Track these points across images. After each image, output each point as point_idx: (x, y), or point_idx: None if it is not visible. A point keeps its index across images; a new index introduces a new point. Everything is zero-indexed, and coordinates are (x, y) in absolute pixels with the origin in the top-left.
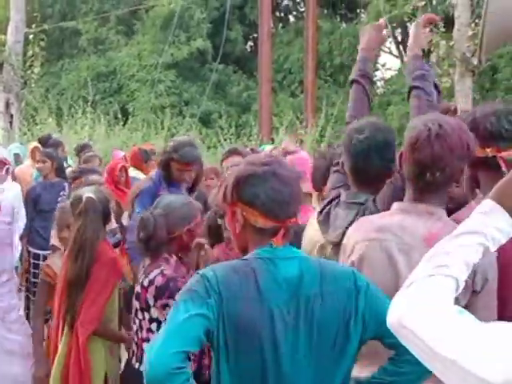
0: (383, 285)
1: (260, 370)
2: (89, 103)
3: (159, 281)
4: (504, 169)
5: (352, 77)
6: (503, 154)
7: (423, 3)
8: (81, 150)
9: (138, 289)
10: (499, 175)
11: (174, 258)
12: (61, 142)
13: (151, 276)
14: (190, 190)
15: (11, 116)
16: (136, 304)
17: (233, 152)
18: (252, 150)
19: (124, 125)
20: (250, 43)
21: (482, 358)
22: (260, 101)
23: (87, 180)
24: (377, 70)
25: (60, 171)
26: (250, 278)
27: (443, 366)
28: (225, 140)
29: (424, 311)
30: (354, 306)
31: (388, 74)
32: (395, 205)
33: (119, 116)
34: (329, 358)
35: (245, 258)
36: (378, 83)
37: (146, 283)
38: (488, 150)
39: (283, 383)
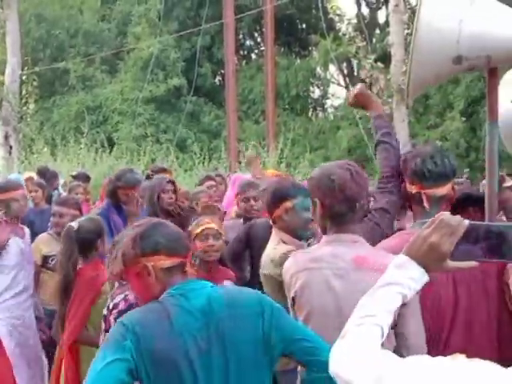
0: (324, 307)
1: None
2: (84, 134)
3: (122, 305)
4: (425, 204)
5: (377, 138)
6: (426, 191)
7: (364, 43)
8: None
9: (104, 311)
10: (424, 209)
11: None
12: (57, 173)
13: (116, 300)
14: (169, 215)
15: (10, 147)
16: (102, 325)
17: (207, 178)
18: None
19: (110, 152)
20: (219, 78)
21: None
22: (228, 128)
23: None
24: (327, 98)
25: (50, 199)
26: (163, 315)
27: None
28: (198, 163)
29: (354, 361)
30: (261, 327)
31: (336, 103)
32: (324, 238)
33: (105, 145)
34: (252, 376)
35: (159, 299)
36: (329, 110)
37: (111, 306)
38: (413, 187)
39: None
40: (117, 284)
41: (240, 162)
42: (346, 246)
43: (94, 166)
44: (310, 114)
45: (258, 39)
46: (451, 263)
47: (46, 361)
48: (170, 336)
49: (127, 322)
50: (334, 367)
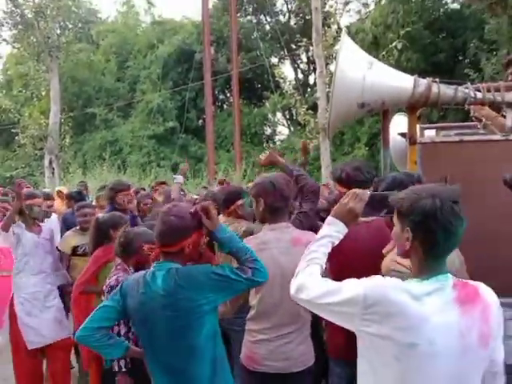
0: (274, 276)
1: (147, 335)
2: (105, 160)
3: (113, 282)
4: None
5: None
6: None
7: (300, 97)
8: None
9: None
10: None
11: (132, 269)
12: (86, 185)
13: (111, 279)
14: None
15: (53, 169)
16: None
17: (161, 183)
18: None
19: (124, 173)
20: (201, 121)
21: (343, 292)
22: (208, 155)
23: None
24: (276, 134)
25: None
26: (139, 282)
27: (327, 309)
28: (188, 180)
29: (312, 287)
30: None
31: (281, 137)
32: (266, 226)
33: (121, 168)
34: (184, 334)
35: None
36: (277, 142)
37: (107, 283)
38: (344, 189)
39: (157, 345)
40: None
41: (215, 178)
42: (283, 232)
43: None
44: (264, 145)
45: (228, 94)
46: (360, 219)
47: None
48: (136, 296)
49: (123, 284)
50: (295, 293)
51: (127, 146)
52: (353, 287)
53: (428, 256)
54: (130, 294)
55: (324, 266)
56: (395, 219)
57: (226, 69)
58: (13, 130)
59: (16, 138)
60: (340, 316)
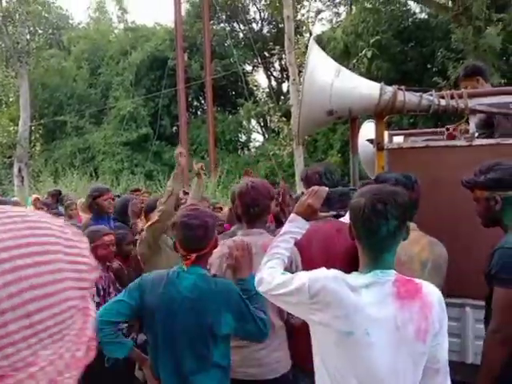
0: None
1: (161, 335)
2: (75, 168)
3: None
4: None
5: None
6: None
7: (273, 105)
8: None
9: None
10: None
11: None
12: (60, 192)
13: None
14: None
15: (22, 177)
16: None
17: (135, 190)
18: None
19: (96, 181)
20: (175, 128)
21: (293, 283)
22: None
23: None
24: (250, 141)
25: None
26: (162, 281)
27: (281, 299)
28: (161, 187)
29: (269, 279)
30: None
31: (256, 144)
32: (240, 232)
33: (93, 175)
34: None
35: (171, 269)
36: (252, 149)
37: None
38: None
39: (166, 344)
40: None
41: (190, 185)
42: (256, 238)
43: (84, 191)
44: (239, 152)
45: (202, 101)
46: (320, 214)
47: None
48: (157, 294)
49: (141, 279)
50: (256, 286)
51: (99, 153)
52: (300, 278)
53: (363, 251)
54: (150, 292)
55: (286, 261)
56: None
57: (200, 76)
58: None
59: None
60: (292, 306)
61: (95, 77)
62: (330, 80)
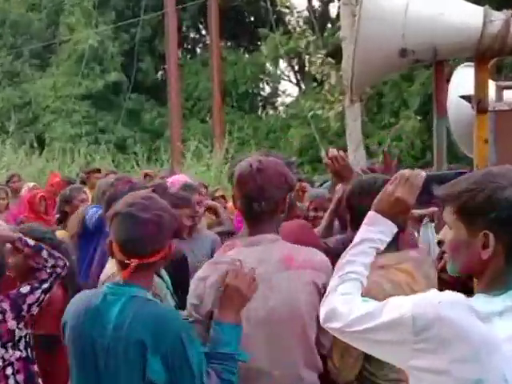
0: (256, 326)
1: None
2: (9, 133)
3: None
4: None
5: None
6: None
7: (315, 38)
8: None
9: None
10: None
11: None
12: None
13: None
14: None
15: None
16: None
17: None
18: (146, 174)
19: (40, 154)
20: (161, 73)
21: (385, 313)
22: (171, 127)
23: None
24: (278, 96)
25: None
26: (84, 304)
27: (367, 338)
28: (138, 165)
29: (345, 310)
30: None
31: (287, 100)
32: (238, 241)
33: (35, 145)
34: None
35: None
36: (280, 108)
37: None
38: None
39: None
40: None
41: (182, 164)
42: (269, 248)
43: (22, 169)
44: (259, 112)
45: (203, 32)
46: (415, 212)
47: None
48: (78, 318)
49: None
50: (324, 321)
51: (46, 112)
52: (397, 306)
53: (510, 264)
54: (71, 326)
55: (365, 283)
56: (455, 221)
57: None
58: None
59: None
60: (384, 347)
61: None
62: (403, 2)
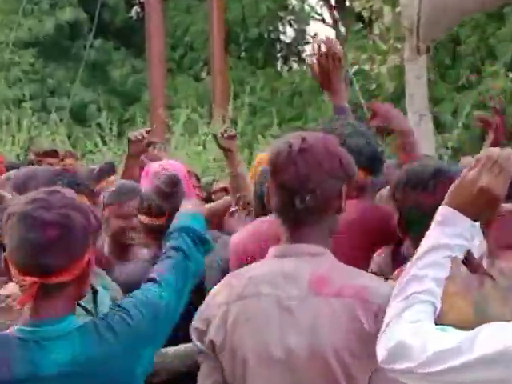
0: (269, 364)
1: None
2: None
3: None
4: None
5: None
6: None
7: None
8: None
9: None
10: None
11: None
12: None
13: None
14: None
15: None
16: None
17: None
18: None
19: None
20: (137, 9)
21: (477, 346)
22: (151, 87)
23: None
24: (306, 43)
25: None
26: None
27: (453, 380)
28: (104, 143)
29: (419, 344)
30: None
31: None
32: (271, 249)
33: None
34: None
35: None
36: (308, 60)
37: None
38: None
39: None
40: None
41: (168, 142)
42: (303, 262)
43: None
44: (278, 66)
45: None
46: (506, 206)
47: None
48: None
49: None
50: (387, 360)
51: None
52: (498, 335)
53: None
54: None
55: (438, 305)
56: None
57: None
58: None
59: None
60: None
61: None
62: None
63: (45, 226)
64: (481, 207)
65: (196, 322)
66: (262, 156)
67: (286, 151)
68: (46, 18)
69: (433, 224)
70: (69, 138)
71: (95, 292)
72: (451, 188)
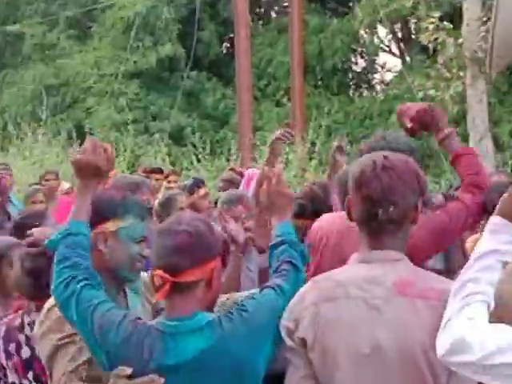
0: (358, 360)
1: None
2: (41, 122)
3: None
4: None
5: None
6: None
7: None
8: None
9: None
10: None
11: None
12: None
13: None
14: None
15: None
16: None
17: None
18: (232, 169)
19: (80, 146)
20: (227, 45)
21: None
22: (239, 112)
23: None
24: (375, 72)
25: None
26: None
27: (501, 373)
28: (198, 161)
29: (478, 340)
30: None
31: (388, 77)
32: (354, 256)
33: (74, 136)
34: None
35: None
36: (378, 87)
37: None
38: None
39: None
40: None
41: (255, 160)
42: (384, 267)
43: (58, 164)
44: (351, 92)
45: None
46: None
47: None
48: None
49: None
50: (447, 354)
51: (86, 94)
52: None
53: None
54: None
55: (492, 304)
56: None
57: None
58: None
59: None
60: None
61: None
62: None
63: (176, 234)
64: None
65: (285, 321)
66: None
67: (370, 167)
68: (148, 53)
69: (485, 231)
70: (168, 156)
71: (126, 295)
72: (501, 199)
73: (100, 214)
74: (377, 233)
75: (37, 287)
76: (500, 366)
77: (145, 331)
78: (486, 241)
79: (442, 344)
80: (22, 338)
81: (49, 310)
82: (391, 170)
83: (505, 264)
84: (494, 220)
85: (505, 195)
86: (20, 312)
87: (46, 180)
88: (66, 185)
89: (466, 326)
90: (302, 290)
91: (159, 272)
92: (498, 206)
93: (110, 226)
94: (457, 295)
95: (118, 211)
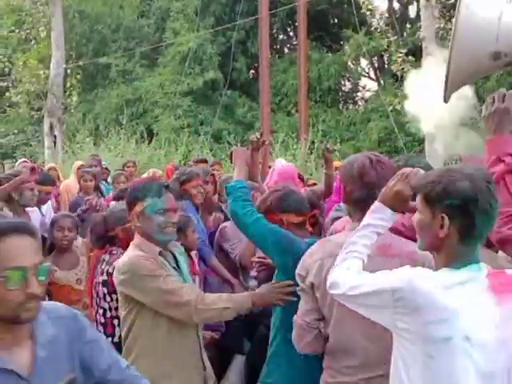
0: None
1: None
2: (122, 126)
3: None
4: None
5: None
6: None
7: (395, 37)
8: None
9: (103, 277)
10: None
11: (120, 250)
12: (100, 161)
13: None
14: None
15: (55, 137)
16: (104, 290)
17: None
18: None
19: (149, 143)
20: (253, 71)
21: (373, 283)
22: (261, 120)
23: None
24: (358, 91)
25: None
26: None
27: (359, 302)
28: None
29: (341, 281)
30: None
31: (367, 95)
32: (348, 225)
33: (145, 136)
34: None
35: None
36: (360, 103)
37: (111, 270)
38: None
39: None
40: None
41: (271, 154)
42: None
43: (134, 156)
44: (340, 106)
45: (291, 33)
46: (413, 203)
47: None
48: None
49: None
50: (329, 288)
51: (154, 106)
52: (382, 279)
53: (463, 243)
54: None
55: (365, 260)
56: (421, 206)
57: None
58: (1, 84)
59: (6, 94)
60: (373, 310)
61: (148, 2)
62: (497, 10)
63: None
64: (396, 202)
65: (299, 270)
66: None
67: (367, 161)
68: (197, 77)
69: (368, 211)
70: (211, 150)
71: (175, 256)
72: (382, 190)
73: (130, 202)
74: (364, 208)
75: None
76: (354, 297)
77: None
78: (367, 217)
79: (328, 280)
80: None
81: None
82: (382, 164)
83: (378, 233)
84: (375, 203)
85: (384, 188)
86: None
87: (128, 167)
88: (151, 170)
89: (341, 272)
90: (311, 248)
91: None
92: (379, 195)
93: (138, 207)
94: (343, 251)
95: (139, 196)
